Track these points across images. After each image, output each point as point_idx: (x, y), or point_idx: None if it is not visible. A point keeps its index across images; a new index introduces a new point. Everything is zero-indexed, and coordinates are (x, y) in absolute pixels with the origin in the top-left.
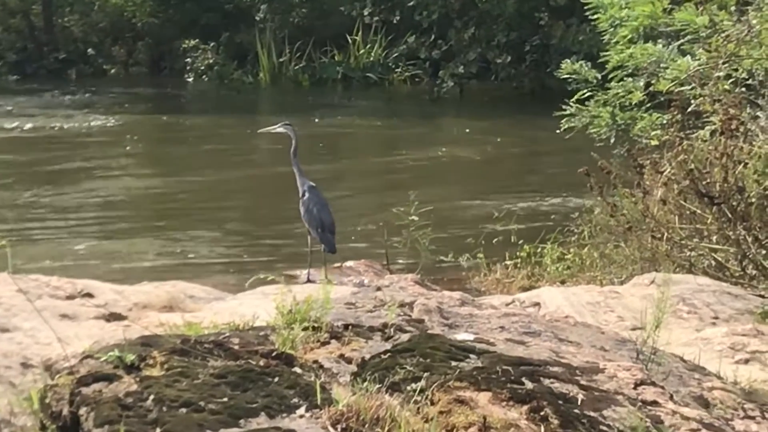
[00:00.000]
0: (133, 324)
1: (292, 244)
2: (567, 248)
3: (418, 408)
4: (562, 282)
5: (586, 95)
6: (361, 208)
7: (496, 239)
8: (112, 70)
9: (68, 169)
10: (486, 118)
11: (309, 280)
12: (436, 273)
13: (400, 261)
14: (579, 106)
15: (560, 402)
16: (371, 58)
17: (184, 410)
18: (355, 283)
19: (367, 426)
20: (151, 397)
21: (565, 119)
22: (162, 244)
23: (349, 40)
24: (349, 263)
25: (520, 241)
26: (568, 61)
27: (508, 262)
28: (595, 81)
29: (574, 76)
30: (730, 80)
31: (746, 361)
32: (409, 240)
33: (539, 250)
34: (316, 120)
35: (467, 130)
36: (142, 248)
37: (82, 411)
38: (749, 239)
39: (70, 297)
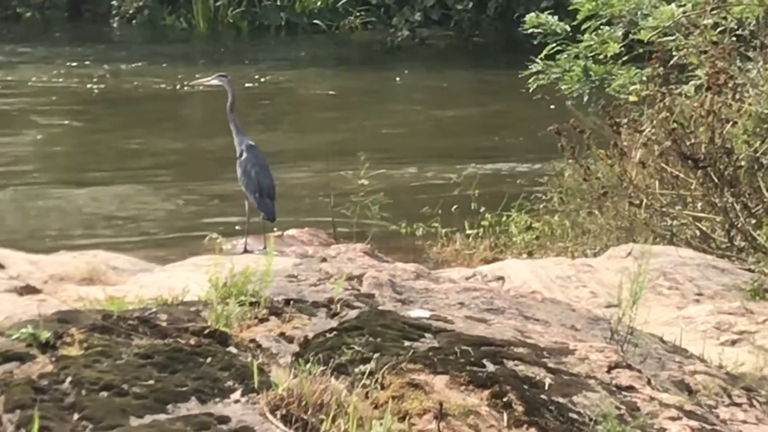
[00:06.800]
0: (49, 298)
1: (229, 211)
2: (535, 216)
3: (367, 392)
4: (530, 254)
5: (556, 49)
6: (305, 172)
7: (455, 206)
8: (27, 14)
9: None
10: (446, 72)
11: (246, 251)
12: (388, 243)
13: (348, 230)
14: (547, 62)
15: (525, 386)
16: (319, 3)
17: (105, 394)
18: (297, 254)
19: (309, 412)
20: (69, 379)
21: (532, 78)
22: (82, 208)
23: None
24: (291, 231)
25: (482, 209)
26: (533, 14)
27: (469, 232)
28: (564, 33)
29: (540, 30)
30: (718, 29)
31: (733, 343)
32: (358, 207)
33: (504, 218)
34: (256, 74)
35: (424, 86)
36: (59, 212)
37: None
38: (737, 207)
39: None
